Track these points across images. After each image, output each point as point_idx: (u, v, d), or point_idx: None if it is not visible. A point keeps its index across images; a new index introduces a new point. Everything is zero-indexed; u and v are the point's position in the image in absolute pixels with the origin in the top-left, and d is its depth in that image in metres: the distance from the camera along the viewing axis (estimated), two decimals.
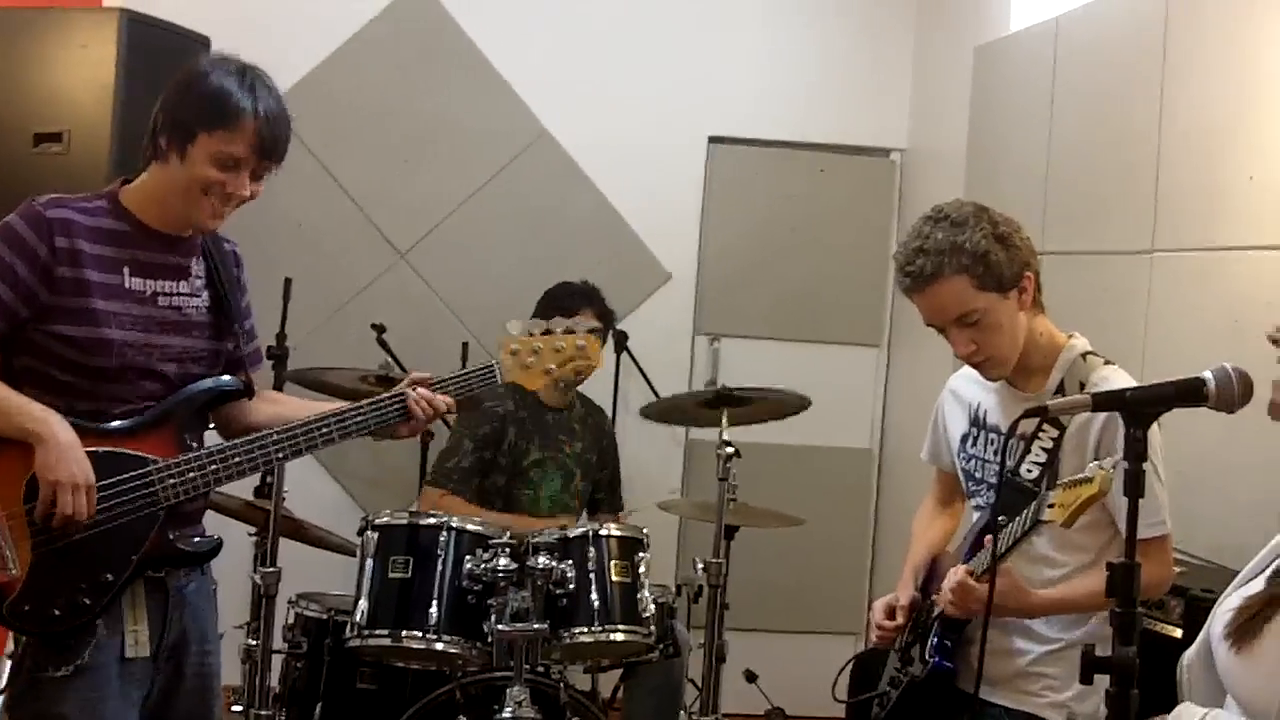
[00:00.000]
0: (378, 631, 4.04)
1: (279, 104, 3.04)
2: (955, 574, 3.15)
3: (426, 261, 6.48)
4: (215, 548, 3.14)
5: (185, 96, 3.00)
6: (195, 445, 3.06)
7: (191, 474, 2.99)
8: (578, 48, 6.57)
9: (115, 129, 5.07)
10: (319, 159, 6.31)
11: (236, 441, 3.04)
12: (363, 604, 4.06)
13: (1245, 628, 2.00)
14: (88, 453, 2.89)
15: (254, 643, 4.17)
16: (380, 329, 5.82)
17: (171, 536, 3.02)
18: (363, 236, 6.44)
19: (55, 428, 2.87)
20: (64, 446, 2.86)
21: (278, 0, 6.28)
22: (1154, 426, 2.82)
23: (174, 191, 3.02)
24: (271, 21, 6.14)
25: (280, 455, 3.05)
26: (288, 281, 5.56)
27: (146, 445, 2.99)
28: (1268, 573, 2.06)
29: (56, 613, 2.90)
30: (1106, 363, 3.18)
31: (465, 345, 6.06)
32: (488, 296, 6.41)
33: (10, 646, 3.05)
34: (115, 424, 2.98)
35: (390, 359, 5.51)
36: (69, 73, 5.18)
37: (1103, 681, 2.57)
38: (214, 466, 3.00)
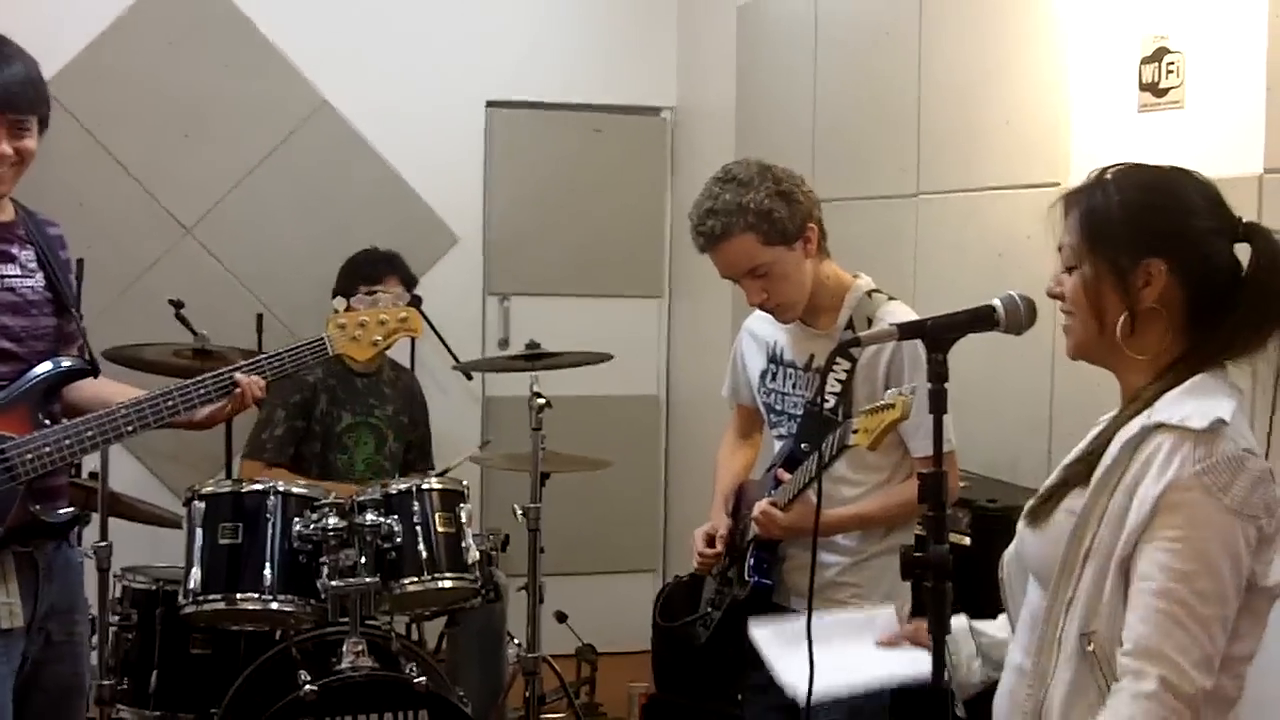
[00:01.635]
0: (211, 597, 4.12)
1: (17, 60, 3.13)
2: (759, 506, 3.43)
3: (214, 236, 6.51)
4: (75, 518, 3.29)
5: None
6: (48, 422, 3.19)
7: (46, 449, 3.12)
8: (353, 18, 6.64)
9: None
10: (95, 137, 6.28)
11: (87, 417, 3.19)
12: (195, 571, 4.13)
13: (1041, 509, 2.31)
14: None
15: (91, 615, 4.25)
16: (178, 304, 5.87)
17: (34, 509, 3.15)
18: (147, 213, 6.42)
19: None
20: None
21: None
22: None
23: None
24: (42, 2, 6.10)
25: (129, 429, 3.22)
26: (80, 262, 5.56)
27: (2, 424, 3.12)
28: (1066, 461, 2.36)
29: None
30: (890, 299, 3.48)
31: (260, 317, 6.15)
32: (278, 268, 6.49)
33: None
34: None
35: (194, 333, 5.57)
36: None
37: (904, 589, 2.88)
38: (67, 441, 3.15)
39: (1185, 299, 2.22)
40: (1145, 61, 3.76)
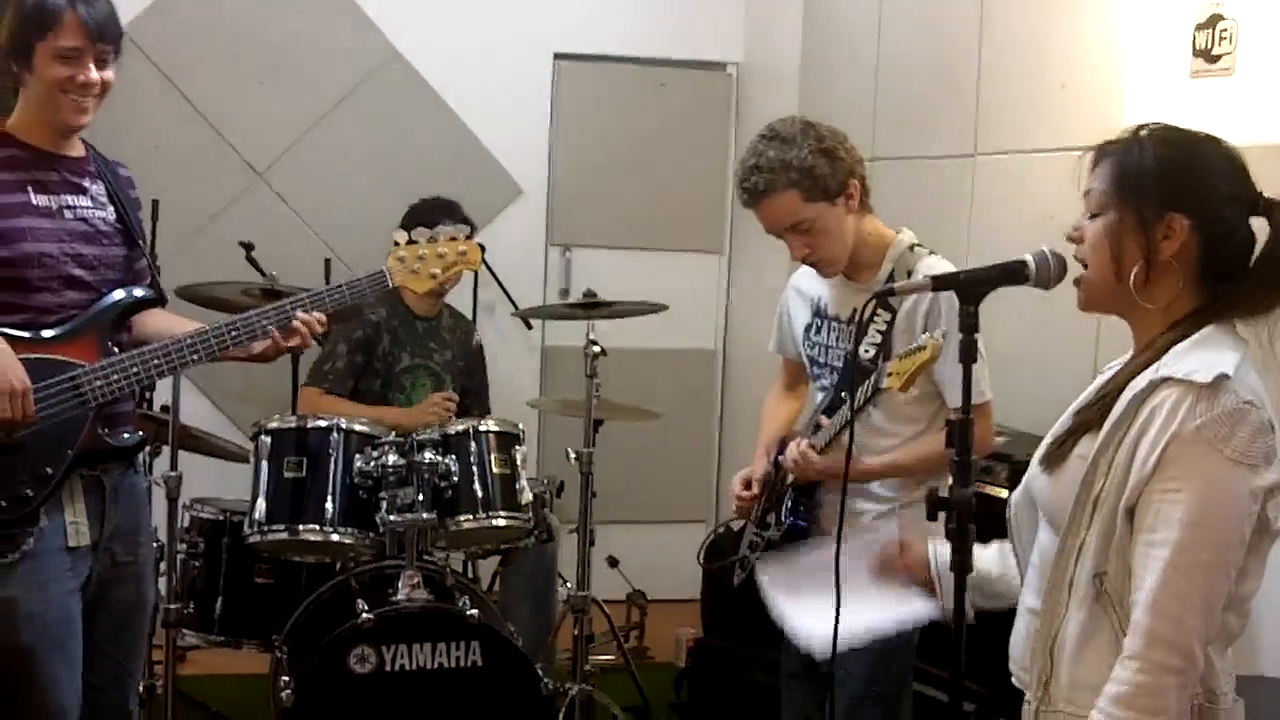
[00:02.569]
0: (275, 527, 4.27)
1: None
2: (796, 445, 3.54)
3: (285, 181, 6.66)
4: (141, 442, 3.44)
5: (14, 23, 3.26)
6: (117, 350, 3.34)
7: (115, 376, 3.27)
8: None
9: None
10: (172, 81, 6.43)
11: (154, 345, 3.32)
12: (260, 503, 4.28)
13: (1055, 453, 2.40)
14: (20, 359, 3.14)
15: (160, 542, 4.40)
16: (249, 247, 6.02)
17: (102, 432, 3.31)
18: (221, 157, 6.58)
19: None
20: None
21: None
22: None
23: (41, 104, 3.29)
24: None
25: (194, 357, 3.34)
26: (155, 204, 5.75)
27: (73, 351, 3.26)
28: (1076, 404, 2.46)
29: (3, 504, 3.17)
30: (930, 253, 3.57)
31: (327, 261, 6.29)
32: (346, 214, 6.63)
33: None
34: (44, 333, 3.25)
35: (263, 275, 5.71)
36: None
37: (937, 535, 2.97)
38: (135, 369, 3.29)
39: (1200, 257, 2.30)
40: (1199, 28, 3.82)
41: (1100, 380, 2.45)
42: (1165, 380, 2.22)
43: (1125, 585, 2.23)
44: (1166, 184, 2.30)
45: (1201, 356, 2.22)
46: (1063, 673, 2.31)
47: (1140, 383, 2.26)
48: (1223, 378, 2.18)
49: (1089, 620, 2.29)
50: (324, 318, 3.50)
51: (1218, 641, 2.25)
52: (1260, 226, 2.33)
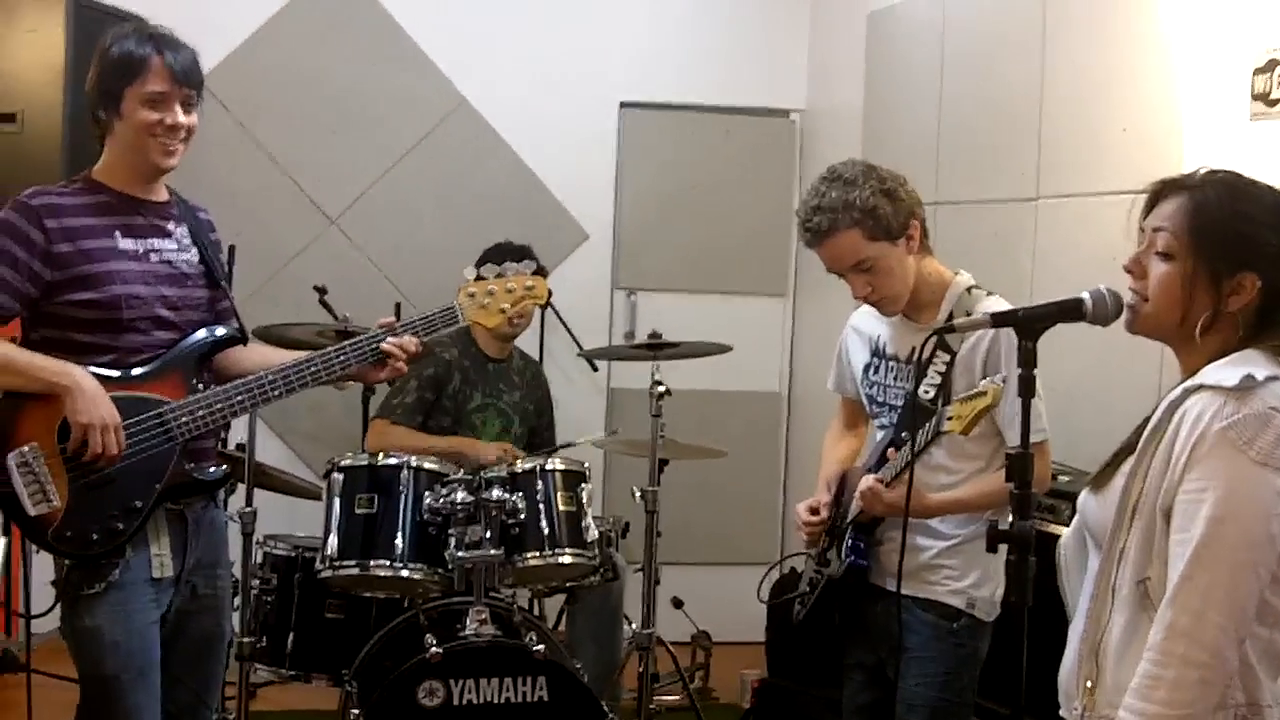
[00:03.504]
0: (347, 563, 4.35)
1: (173, 39, 3.44)
2: (866, 480, 3.59)
3: (356, 226, 6.81)
4: (225, 476, 3.54)
5: (102, 71, 3.41)
6: (201, 387, 3.45)
7: (200, 412, 3.38)
8: (493, 20, 6.91)
9: (66, 108, 5.27)
10: (248, 130, 6.60)
11: (236, 382, 3.43)
12: (332, 539, 4.37)
13: (1104, 474, 2.47)
14: (111, 397, 3.26)
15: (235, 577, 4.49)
16: (322, 290, 6.14)
17: (188, 467, 3.42)
18: (294, 204, 6.75)
19: (78, 377, 3.24)
20: (89, 393, 3.23)
21: None
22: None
23: (129, 148, 3.42)
24: (201, 1, 6.39)
25: (276, 393, 3.44)
26: (231, 249, 5.88)
27: (160, 388, 3.38)
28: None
29: (95, 537, 3.29)
30: (989, 294, 3.61)
31: (398, 305, 6.40)
32: (416, 258, 6.77)
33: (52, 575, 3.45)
34: (133, 372, 3.37)
35: (335, 318, 5.81)
36: (20, 55, 5.38)
37: (996, 573, 3.01)
38: (219, 405, 3.40)
39: (1259, 308, 2.39)
40: (1258, 72, 3.86)
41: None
42: (1198, 387, 2.30)
43: (1166, 588, 2.29)
44: (1243, 244, 2.38)
45: (1234, 367, 2.30)
46: (1107, 677, 2.37)
47: (1175, 392, 2.35)
48: (1249, 379, 2.25)
49: (1131, 624, 2.35)
50: (417, 341, 3.59)
51: (1265, 659, 2.30)
52: None
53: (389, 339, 3.55)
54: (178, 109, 3.40)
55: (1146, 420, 2.41)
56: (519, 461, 4.59)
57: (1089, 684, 2.40)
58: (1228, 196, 2.41)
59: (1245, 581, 2.23)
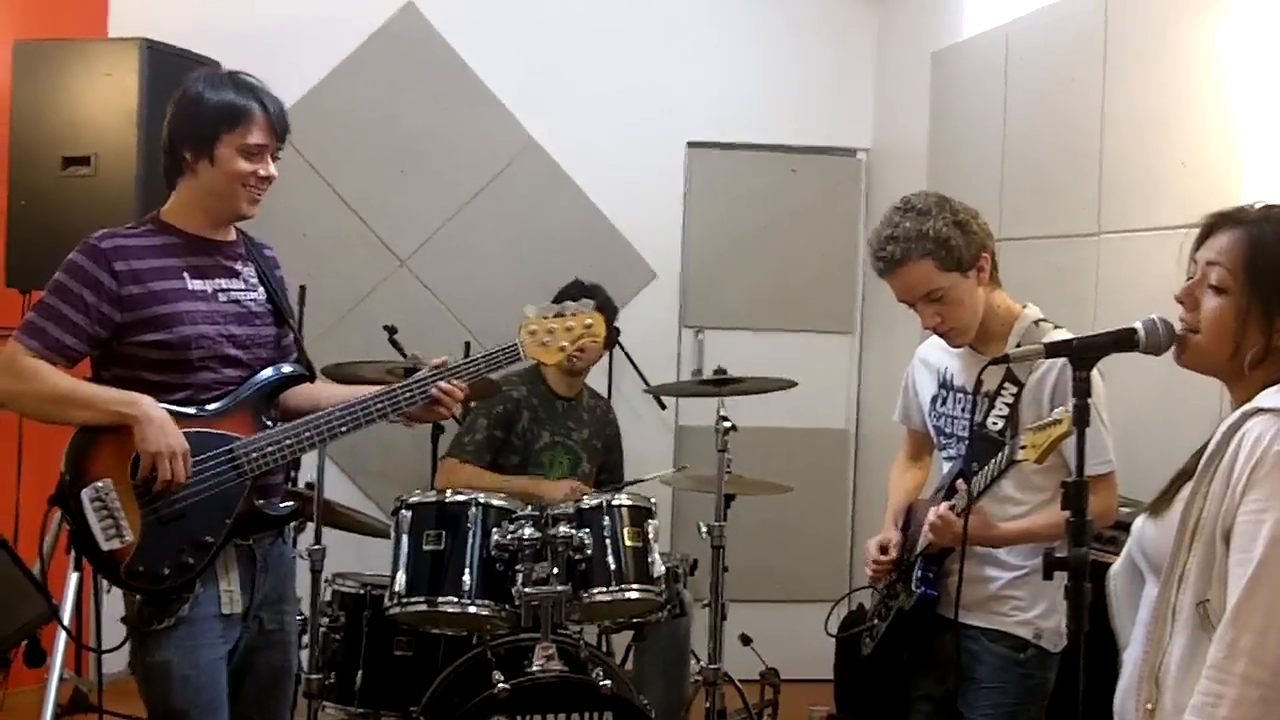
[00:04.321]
0: (415, 599, 4.39)
1: (269, 92, 3.53)
2: (937, 509, 3.59)
3: (426, 267, 6.89)
4: (295, 511, 3.59)
5: (196, 112, 3.46)
6: (270, 424, 3.51)
7: (270, 448, 3.44)
8: (562, 61, 6.99)
9: (140, 150, 5.37)
10: (320, 173, 6.72)
11: (305, 419, 3.49)
12: (400, 575, 4.41)
13: (1161, 501, 2.48)
14: (184, 433, 3.32)
15: (303, 615, 4.55)
16: (392, 330, 6.22)
17: (258, 503, 3.47)
18: (365, 245, 6.85)
19: (146, 407, 3.31)
20: (156, 422, 3.29)
21: (277, 25, 6.66)
22: (1099, 381, 3.32)
23: (213, 193, 3.48)
24: (273, 45, 6.53)
25: (343, 430, 3.50)
26: (302, 289, 5.98)
27: (230, 425, 3.44)
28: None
29: (166, 571, 3.34)
30: (1056, 327, 3.62)
31: (467, 345, 6.46)
32: (485, 299, 6.83)
33: (123, 611, 3.49)
34: (207, 408, 3.43)
35: (404, 355, 5.89)
36: (95, 100, 5.49)
37: (1063, 604, 3.00)
38: (288, 441, 3.46)
39: None
40: None
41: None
42: (1256, 410, 2.31)
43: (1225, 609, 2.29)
44: None
45: None
46: (1167, 699, 2.36)
47: (1233, 416, 2.35)
48: None
49: (1191, 646, 2.34)
50: (464, 387, 3.64)
51: None
52: None
53: (437, 384, 3.60)
54: (269, 161, 3.49)
55: (1204, 446, 2.42)
56: (586, 497, 4.61)
57: (1149, 706, 2.40)
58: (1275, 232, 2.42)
59: None
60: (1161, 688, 2.38)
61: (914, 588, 3.69)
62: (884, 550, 3.86)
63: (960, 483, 3.58)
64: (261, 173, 3.47)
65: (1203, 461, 2.37)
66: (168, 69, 5.47)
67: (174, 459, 3.30)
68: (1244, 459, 2.28)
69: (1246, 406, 2.34)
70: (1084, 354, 2.58)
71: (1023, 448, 3.21)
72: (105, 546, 3.32)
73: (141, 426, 3.29)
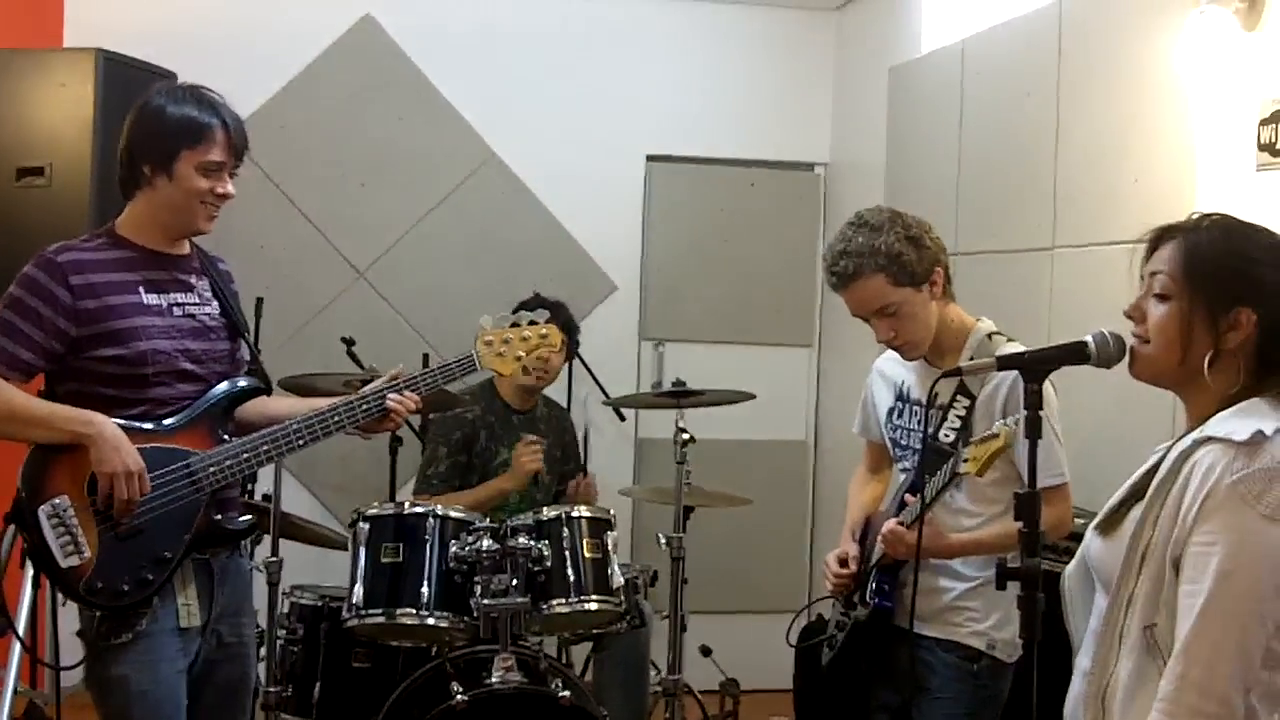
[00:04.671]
0: (373, 611, 4.37)
1: (231, 109, 3.54)
2: (888, 524, 3.63)
3: (385, 279, 6.88)
4: (252, 526, 3.59)
5: (157, 126, 3.46)
6: (227, 438, 3.50)
7: (228, 462, 3.44)
8: (521, 75, 6.99)
9: (95, 161, 5.31)
10: (277, 184, 6.69)
11: (262, 433, 3.49)
12: (358, 588, 4.39)
13: (1111, 519, 2.51)
14: (138, 449, 3.32)
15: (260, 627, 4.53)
16: (350, 342, 6.22)
17: (216, 518, 3.47)
18: (323, 257, 6.82)
19: (101, 426, 3.30)
20: (112, 441, 3.28)
21: (234, 37, 6.62)
22: (1052, 394, 3.37)
23: (170, 208, 3.48)
24: (230, 56, 6.49)
25: (300, 443, 3.50)
26: (259, 300, 5.97)
27: (186, 440, 3.44)
28: (1132, 479, 2.55)
29: (125, 588, 3.33)
30: (1009, 340, 3.67)
31: (425, 356, 6.46)
32: (444, 311, 6.82)
33: (77, 625, 3.47)
34: (165, 423, 3.43)
35: (362, 368, 5.87)
36: (49, 110, 5.43)
37: (1017, 615, 3.04)
38: (245, 455, 3.46)
39: (1259, 345, 2.42)
40: (1263, 123, 3.91)
41: (1151, 460, 2.54)
42: (1207, 439, 2.33)
43: (1173, 636, 2.31)
44: (1236, 278, 2.43)
45: (1243, 419, 2.33)
46: None
47: (1185, 442, 2.38)
48: (1259, 435, 2.28)
49: (1138, 670, 2.37)
50: (418, 399, 3.65)
51: (1266, 700, 2.32)
52: None
53: (390, 397, 3.62)
54: (228, 179, 3.49)
55: (1155, 467, 2.45)
56: (545, 509, 4.61)
57: None
58: (1221, 236, 2.47)
59: (1254, 633, 2.26)
60: (1109, 710, 2.42)
61: (869, 599, 3.72)
62: (843, 564, 3.89)
63: (909, 496, 3.62)
64: (219, 190, 3.47)
65: (1153, 486, 2.40)
66: (124, 79, 5.44)
67: (130, 479, 3.29)
68: (1195, 489, 2.31)
69: (1197, 434, 2.37)
70: (1036, 367, 2.62)
71: (965, 460, 3.25)
72: (64, 564, 3.30)
73: (98, 447, 3.28)
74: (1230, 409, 2.39)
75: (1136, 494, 2.48)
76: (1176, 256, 2.48)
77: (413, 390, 3.64)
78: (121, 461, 3.28)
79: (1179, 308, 2.46)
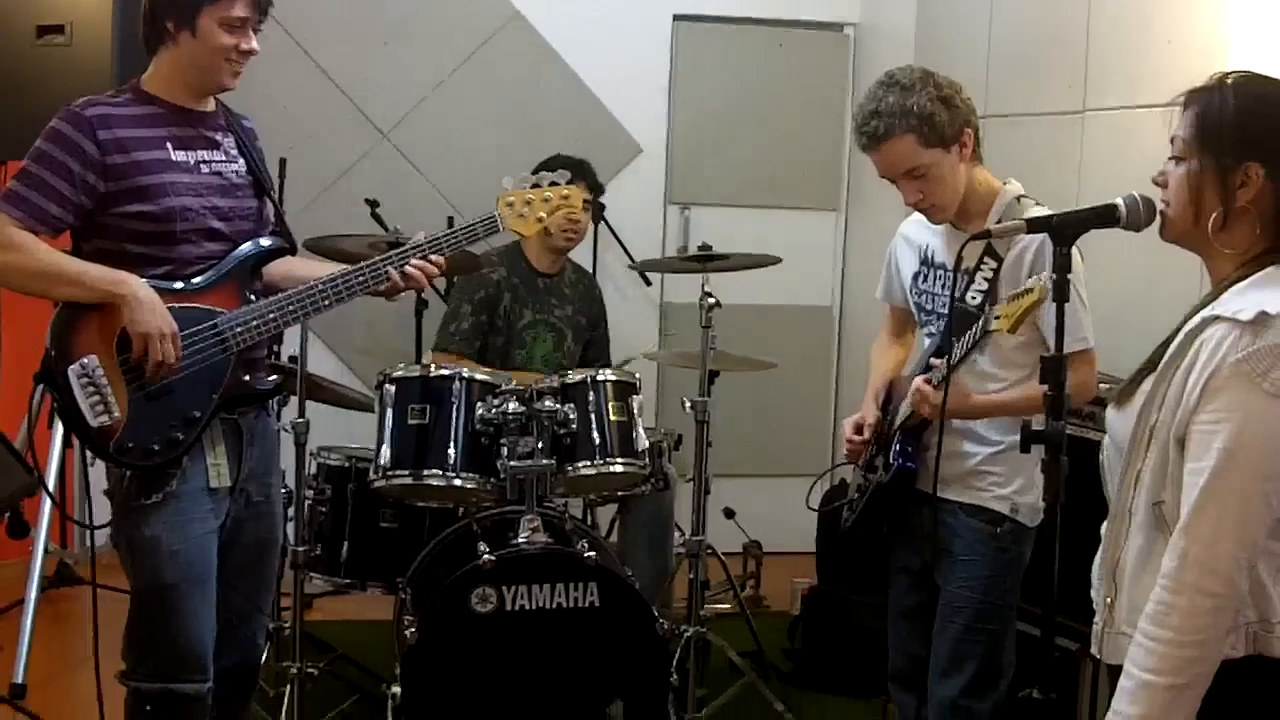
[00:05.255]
0: (400, 473, 4.40)
1: None
2: (917, 380, 3.62)
3: (409, 140, 6.85)
4: (279, 386, 3.61)
5: None
6: (254, 297, 3.50)
7: (254, 322, 3.44)
8: None
9: (116, 18, 5.24)
10: (300, 44, 6.63)
11: (288, 292, 3.48)
12: (385, 449, 4.42)
13: (1126, 390, 2.51)
14: (168, 308, 3.32)
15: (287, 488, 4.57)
16: (374, 204, 6.21)
17: (244, 378, 3.49)
18: (346, 117, 6.79)
19: (135, 287, 3.29)
20: (146, 303, 3.28)
21: None
22: (1078, 259, 3.34)
23: (194, 65, 3.44)
24: None
25: (326, 304, 3.49)
26: (283, 161, 5.94)
27: (214, 299, 3.43)
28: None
29: (155, 447, 3.35)
30: (1036, 204, 3.62)
31: (450, 219, 6.43)
32: (468, 172, 6.78)
33: (105, 484, 3.50)
34: (193, 281, 3.42)
35: (386, 230, 5.87)
36: None
37: (1040, 478, 3.05)
38: (272, 315, 3.45)
39: (1275, 202, 2.39)
40: None
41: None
42: (1215, 318, 2.32)
43: (1180, 513, 2.32)
44: (1243, 133, 2.40)
45: (1253, 296, 2.32)
46: (1123, 596, 2.43)
47: (1194, 320, 2.36)
48: (1263, 315, 2.26)
49: (1146, 545, 2.40)
50: (442, 262, 3.65)
51: (1277, 570, 2.34)
52: None
53: (413, 262, 3.60)
54: (251, 35, 3.45)
55: (1169, 340, 2.43)
56: (571, 373, 4.62)
57: (1109, 601, 2.46)
58: (1233, 93, 2.43)
59: (1257, 511, 2.27)
60: (1119, 584, 2.44)
61: (892, 460, 3.72)
62: (859, 430, 3.89)
63: (935, 359, 3.61)
64: (243, 46, 3.43)
65: (1163, 362, 2.39)
66: None
67: (164, 340, 3.29)
68: (1200, 367, 2.30)
69: (1206, 311, 2.35)
70: (1064, 229, 2.61)
71: (996, 318, 3.23)
72: (94, 424, 3.32)
73: (131, 308, 3.28)
74: (1243, 281, 2.37)
75: (1150, 364, 2.47)
76: (1191, 118, 2.47)
77: (436, 252, 3.62)
78: (156, 324, 3.28)
79: (1189, 168, 2.45)
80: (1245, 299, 2.32)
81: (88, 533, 3.88)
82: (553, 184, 3.75)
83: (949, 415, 3.43)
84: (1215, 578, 2.25)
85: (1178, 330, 2.41)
